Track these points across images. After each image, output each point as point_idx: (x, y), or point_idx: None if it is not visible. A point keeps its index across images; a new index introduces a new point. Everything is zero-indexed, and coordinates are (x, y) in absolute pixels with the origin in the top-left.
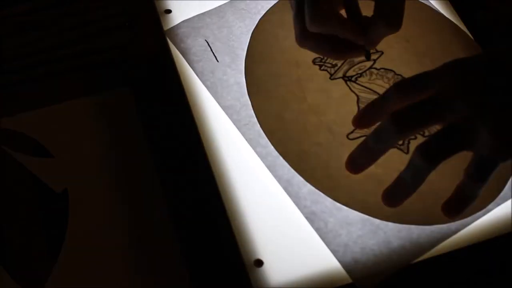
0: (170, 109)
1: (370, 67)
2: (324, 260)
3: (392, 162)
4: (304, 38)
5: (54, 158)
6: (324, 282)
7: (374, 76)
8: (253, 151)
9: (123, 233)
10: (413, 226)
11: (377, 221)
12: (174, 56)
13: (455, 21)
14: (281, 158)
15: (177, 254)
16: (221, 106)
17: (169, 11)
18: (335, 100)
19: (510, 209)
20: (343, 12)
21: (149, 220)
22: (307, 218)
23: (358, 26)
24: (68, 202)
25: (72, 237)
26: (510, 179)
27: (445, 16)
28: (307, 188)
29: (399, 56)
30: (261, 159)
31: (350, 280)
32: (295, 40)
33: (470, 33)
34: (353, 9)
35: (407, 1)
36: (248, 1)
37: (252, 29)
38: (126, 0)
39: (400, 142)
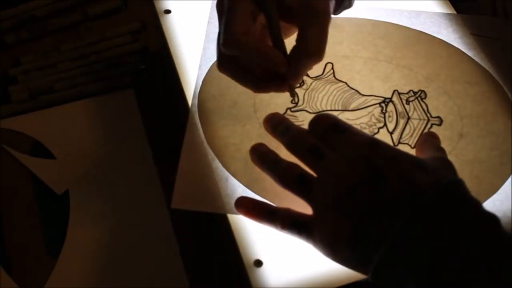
0: (172, 110)
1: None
2: (323, 261)
3: None
4: (221, 61)
5: (55, 159)
6: (323, 283)
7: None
8: None
9: (124, 234)
10: None
11: None
12: (174, 56)
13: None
14: None
15: (177, 254)
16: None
17: (168, 11)
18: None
19: (510, 209)
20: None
21: (149, 221)
22: None
23: (279, 52)
24: (69, 203)
25: (72, 237)
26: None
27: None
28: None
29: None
30: None
31: (350, 281)
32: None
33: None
34: (274, 32)
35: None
36: None
37: None
38: (126, 2)
39: None
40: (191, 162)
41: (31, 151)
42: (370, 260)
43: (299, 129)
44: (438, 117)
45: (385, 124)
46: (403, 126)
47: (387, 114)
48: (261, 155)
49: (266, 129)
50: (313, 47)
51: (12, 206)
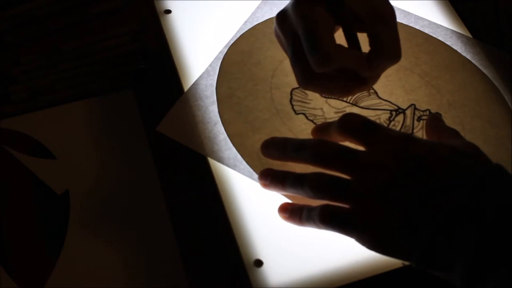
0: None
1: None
2: (323, 261)
3: None
4: (310, 80)
5: (55, 159)
6: (323, 282)
7: None
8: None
9: (123, 234)
10: None
11: None
12: (174, 56)
13: (453, 20)
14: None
15: (177, 254)
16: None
17: (169, 11)
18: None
19: None
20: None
21: (149, 221)
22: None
23: (361, 56)
24: (69, 203)
25: (72, 237)
26: None
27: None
28: None
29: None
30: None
31: (350, 281)
32: (298, 83)
33: (469, 31)
34: (352, 38)
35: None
36: None
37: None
38: (126, 2)
39: None
40: (193, 98)
41: (31, 151)
42: (420, 246)
43: (314, 140)
44: None
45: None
46: None
47: (392, 123)
48: (278, 177)
49: (270, 156)
50: (391, 49)
51: (12, 206)
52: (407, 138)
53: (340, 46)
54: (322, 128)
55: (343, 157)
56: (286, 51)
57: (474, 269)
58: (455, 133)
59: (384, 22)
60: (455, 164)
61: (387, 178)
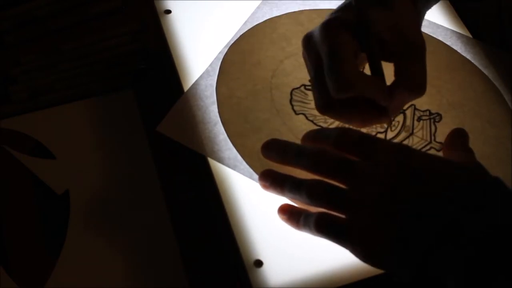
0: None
1: None
2: (323, 261)
3: None
4: (327, 105)
5: (55, 159)
6: (323, 282)
7: None
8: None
9: (123, 234)
10: None
11: None
12: (174, 56)
13: (453, 20)
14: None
15: (177, 254)
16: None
17: (169, 11)
18: None
19: None
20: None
21: (149, 221)
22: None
23: (382, 86)
24: (69, 203)
25: (72, 237)
26: None
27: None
28: None
29: None
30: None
31: (350, 281)
32: (316, 108)
33: (469, 31)
34: (376, 66)
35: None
36: None
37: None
38: (126, 2)
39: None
40: (193, 98)
41: (31, 151)
42: (413, 261)
43: (313, 148)
44: (441, 143)
45: (385, 131)
46: (403, 139)
47: (392, 123)
48: (278, 180)
49: (270, 158)
50: (415, 83)
51: (12, 206)
52: (404, 150)
53: (361, 73)
54: (315, 137)
55: (340, 167)
56: (309, 74)
57: (466, 285)
58: (466, 148)
59: (413, 53)
60: (451, 178)
61: (382, 190)
